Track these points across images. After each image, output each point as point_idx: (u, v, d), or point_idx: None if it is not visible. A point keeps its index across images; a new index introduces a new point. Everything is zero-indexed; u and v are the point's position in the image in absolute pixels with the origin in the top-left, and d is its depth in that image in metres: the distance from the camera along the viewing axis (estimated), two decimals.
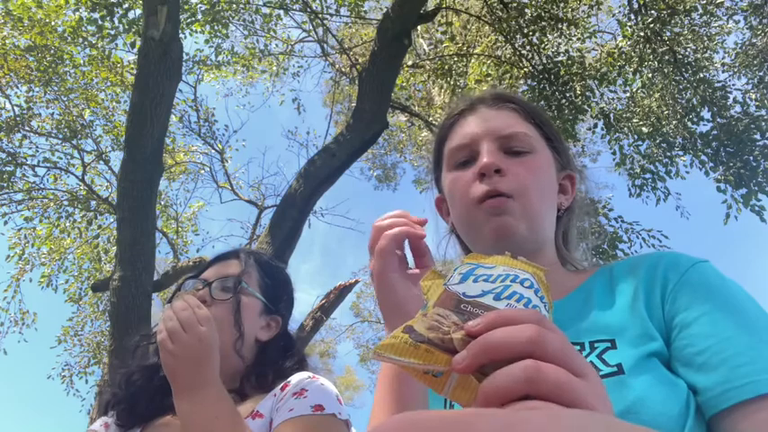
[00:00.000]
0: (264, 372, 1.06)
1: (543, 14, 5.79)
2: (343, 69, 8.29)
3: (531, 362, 0.33)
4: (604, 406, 0.35)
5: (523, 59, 6.13)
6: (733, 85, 6.16)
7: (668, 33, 6.00)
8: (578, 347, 0.63)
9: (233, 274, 1.11)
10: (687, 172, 6.06)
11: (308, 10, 6.96)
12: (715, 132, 5.80)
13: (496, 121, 0.78)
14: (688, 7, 5.93)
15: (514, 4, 5.88)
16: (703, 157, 5.84)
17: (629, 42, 6.04)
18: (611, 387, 0.56)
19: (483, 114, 0.80)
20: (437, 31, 7.35)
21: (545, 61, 5.95)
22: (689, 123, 6.00)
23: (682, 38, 6.13)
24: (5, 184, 6.53)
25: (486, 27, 6.73)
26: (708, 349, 0.57)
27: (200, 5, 6.49)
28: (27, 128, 6.71)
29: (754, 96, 5.91)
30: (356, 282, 6.10)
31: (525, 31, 5.88)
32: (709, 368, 0.56)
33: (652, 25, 5.78)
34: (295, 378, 1.01)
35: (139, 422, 1.04)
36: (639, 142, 6.17)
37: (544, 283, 0.46)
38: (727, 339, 0.57)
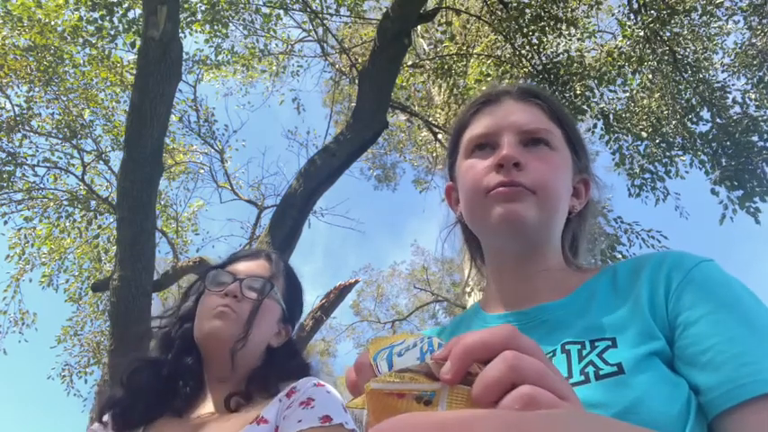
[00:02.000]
0: (269, 375, 1.06)
1: (543, 14, 5.79)
2: (342, 69, 8.30)
3: (510, 351, 0.34)
4: (575, 397, 0.36)
5: (523, 59, 6.14)
6: (732, 85, 6.16)
7: (668, 33, 6.00)
8: (579, 346, 0.63)
9: (264, 276, 1.11)
10: (687, 172, 6.07)
11: (308, 10, 6.96)
12: (714, 133, 5.80)
13: (521, 114, 0.77)
14: (688, 7, 5.93)
15: (514, 4, 5.88)
16: (703, 157, 5.84)
17: (628, 42, 6.04)
18: (612, 386, 0.56)
19: (508, 107, 0.79)
20: (437, 30, 7.36)
21: (545, 61, 5.95)
22: (688, 123, 6.01)
23: (681, 38, 6.13)
24: (5, 184, 6.53)
25: (486, 27, 6.74)
26: (711, 348, 0.57)
27: (199, 5, 6.50)
28: (27, 128, 6.71)
29: (753, 97, 5.91)
30: (356, 281, 6.11)
31: (525, 30, 5.88)
32: (712, 367, 0.56)
33: (652, 25, 5.78)
34: (301, 384, 1.00)
35: (138, 425, 1.01)
36: (639, 142, 6.18)
37: None
38: (731, 339, 0.56)
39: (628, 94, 6.37)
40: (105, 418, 1.05)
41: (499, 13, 6.10)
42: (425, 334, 0.45)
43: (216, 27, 6.78)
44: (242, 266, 1.13)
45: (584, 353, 0.62)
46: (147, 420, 1.02)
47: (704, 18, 6.17)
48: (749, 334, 0.57)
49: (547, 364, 0.35)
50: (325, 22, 7.47)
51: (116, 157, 7.27)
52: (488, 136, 0.77)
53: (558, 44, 5.94)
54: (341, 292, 5.81)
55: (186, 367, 1.06)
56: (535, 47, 5.94)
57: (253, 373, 1.05)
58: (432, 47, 8.34)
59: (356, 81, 5.68)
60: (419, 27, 7.11)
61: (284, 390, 1.00)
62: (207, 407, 1.03)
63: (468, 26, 7.26)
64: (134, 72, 4.73)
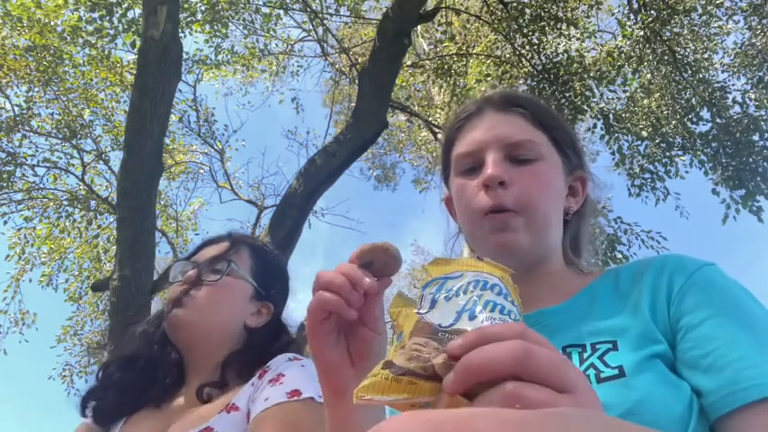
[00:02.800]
0: (249, 359, 1.01)
1: (543, 14, 5.79)
2: (342, 69, 8.30)
3: (512, 388, 0.32)
4: (584, 389, 0.35)
5: (523, 59, 6.14)
6: (732, 85, 6.16)
7: (668, 33, 6.00)
8: (580, 349, 0.63)
9: (219, 254, 1.07)
10: (687, 172, 6.07)
11: (308, 10, 6.97)
12: (714, 132, 5.80)
13: (503, 127, 0.77)
14: (688, 7, 5.94)
15: (514, 4, 5.88)
16: (702, 157, 5.84)
17: (628, 42, 6.04)
18: (613, 389, 0.56)
19: (490, 119, 0.79)
20: (437, 30, 7.36)
21: (544, 61, 5.95)
22: (688, 123, 6.01)
23: (681, 38, 6.13)
24: (5, 184, 6.53)
25: (486, 27, 6.74)
26: (713, 352, 0.57)
27: (199, 5, 6.50)
28: (27, 128, 6.71)
29: (753, 96, 5.91)
30: None
31: (525, 30, 5.88)
32: (714, 370, 0.56)
33: (652, 25, 5.78)
34: (274, 362, 0.96)
35: (118, 417, 1.01)
36: (639, 142, 6.18)
37: (512, 286, 0.45)
38: (733, 342, 0.57)
39: (628, 94, 6.37)
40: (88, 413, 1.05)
41: (499, 12, 6.10)
42: (484, 278, 0.44)
43: (216, 27, 6.78)
44: (202, 253, 1.10)
45: (585, 356, 0.62)
46: (127, 412, 1.01)
47: (704, 18, 6.17)
48: (750, 337, 0.57)
49: (559, 382, 0.33)
50: (325, 21, 7.47)
51: (116, 157, 7.27)
52: (473, 154, 0.77)
53: (558, 44, 5.94)
54: None
55: (165, 359, 1.05)
56: (535, 47, 5.94)
57: (228, 358, 1.01)
58: (432, 47, 8.34)
59: (356, 81, 5.68)
60: (419, 27, 7.11)
61: (257, 372, 0.96)
62: (184, 397, 1.02)
63: (468, 26, 7.26)
64: (134, 72, 4.73)
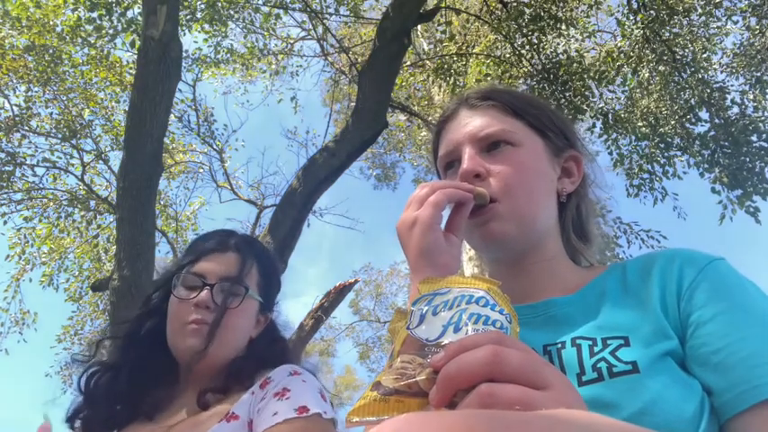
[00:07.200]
0: (248, 365, 1.02)
1: (542, 14, 5.79)
2: (342, 68, 8.30)
3: (485, 388, 0.34)
4: (559, 383, 0.36)
5: (523, 59, 6.14)
6: (731, 85, 6.15)
7: (667, 33, 6.00)
8: (590, 342, 0.62)
9: (234, 275, 1.03)
10: (685, 172, 6.06)
11: (308, 9, 6.96)
12: (712, 133, 5.80)
13: (475, 122, 0.78)
14: (687, 7, 5.93)
15: (514, 4, 5.88)
16: (700, 158, 5.83)
17: (627, 42, 6.04)
18: (627, 385, 0.56)
19: (463, 118, 0.80)
20: (437, 30, 7.36)
21: (544, 61, 5.95)
22: (687, 124, 6.00)
23: (680, 38, 6.13)
24: (5, 184, 6.53)
25: (486, 27, 6.74)
26: (724, 348, 0.56)
27: (199, 4, 6.49)
28: (26, 128, 6.70)
29: (751, 97, 5.91)
30: (356, 281, 6.11)
31: (525, 30, 5.88)
32: (724, 368, 0.56)
33: (651, 25, 5.78)
34: (276, 374, 0.96)
35: (108, 429, 0.99)
36: (637, 142, 6.17)
37: (501, 296, 0.47)
38: (744, 339, 0.56)
39: (627, 94, 6.36)
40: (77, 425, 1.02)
41: (499, 12, 6.10)
42: (470, 293, 0.45)
43: (215, 26, 6.78)
44: (211, 265, 1.04)
45: (596, 350, 0.61)
46: (118, 425, 0.99)
47: (703, 18, 6.16)
48: (761, 334, 0.56)
49: (534, 379, 0.35)
50: (324, 21, 7.47)
51: (116, 157, 7.28)
52: (451, 154, 0.79)
53: (558, 44, 5.93)
54: (340, 292, 5.82)
55: (155, 365, 1.03)
56: (535, 47, 5.94)
57: (230, 367, 1.01)
58: (432, 46, 8.34)
59: (356, 80, 5.68)
60: (419, 27, 7.11)
61: (258, 381, 0.96)
62: (181, 405, 1.00)
63: (468, 26, 7.26)
64: (133, 71, 4.73)
